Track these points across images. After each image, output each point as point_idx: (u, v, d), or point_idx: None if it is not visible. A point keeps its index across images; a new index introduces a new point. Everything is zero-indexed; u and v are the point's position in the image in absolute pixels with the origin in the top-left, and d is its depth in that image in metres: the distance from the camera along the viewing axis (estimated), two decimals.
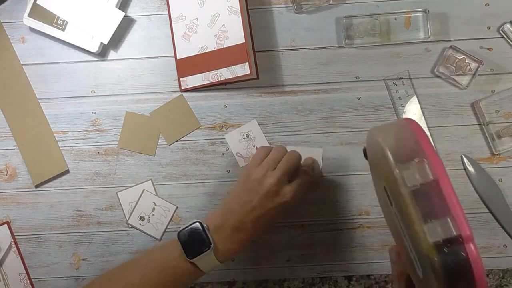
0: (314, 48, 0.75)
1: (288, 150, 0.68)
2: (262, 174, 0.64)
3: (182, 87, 0.75)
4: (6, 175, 0.76)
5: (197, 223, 0.64)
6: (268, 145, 0.75)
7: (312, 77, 0.75)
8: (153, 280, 0.63)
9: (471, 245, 0.42)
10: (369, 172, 0.74)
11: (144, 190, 0.75)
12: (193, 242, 0.63)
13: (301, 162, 0.69)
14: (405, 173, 0.44)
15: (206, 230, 0.63)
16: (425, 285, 0.47)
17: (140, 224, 0.75)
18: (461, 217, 0.42)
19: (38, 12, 0.74)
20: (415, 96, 0.74)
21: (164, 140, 0.76)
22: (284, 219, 0.75)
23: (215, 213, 0.66)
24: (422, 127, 0.48)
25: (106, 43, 0.74)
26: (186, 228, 0.64)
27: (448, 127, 0.74)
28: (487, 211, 0.74)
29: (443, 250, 0.42)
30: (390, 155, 0.46)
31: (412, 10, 0.74)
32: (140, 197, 0.75)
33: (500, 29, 0.74)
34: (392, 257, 0.56)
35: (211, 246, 0.62)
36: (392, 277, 0.57)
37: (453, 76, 0.73)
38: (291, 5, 0.75)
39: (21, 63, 0.76)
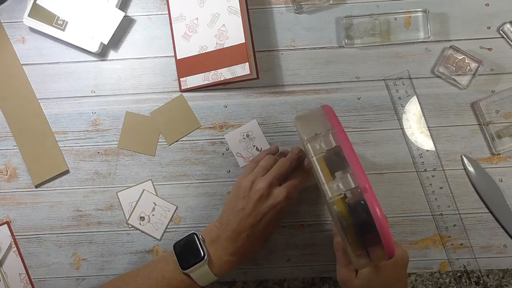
0: (314, 48, 0.75)
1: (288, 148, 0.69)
2: (252, 180, 0.65)
3: (182, 87, 0.75)
4: (6, 175, 0.76)
5: (193, 235, 0.64)
6: (268, 145, 0.75)
7: (312, 77, 0.75)
8: None
9: (370, 194, 0.50)
10: (370, 172, 0.75)
11: (144, 190, 0.75)
12: (188, 253, 0.63)
13: (289, 153, 0.69)
14: (313, 144, 0.55)
15: (201, 241, 0.64)
16: (343, 239, 0.55)
17: (140, 224, 0.75)
18: (360, 172, 0.51)
19: (38, 12, 0.74)
20: (415, 96, 0.74)
21: (164, 140, 0.76)
22: (284, 219, 0.75)
23: (212, 225, 0.66)
24: (333, 109, 0.58)
25: (106, 43, 0.74)
26: (182, 240, 0.64)
27: (448, 127, 0.74)
28: (487, 211, 0.74)
29: (346, 201, 0.52)
30: (301, 133, 0.57)
31: (412, 10, 0.74)
32: (140, 197, 0.75)
33: (500, 29, 0.74)
34: (334, 229, 0.64)
35: (205, 258, 0.62)
36: (334, 247, 0.64)
37: (453, 76, 0.73)
38: (291, 5, 0.75)
39: (21, 63, 0.76)
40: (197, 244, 0.63)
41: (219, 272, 0.64)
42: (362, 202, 0.50)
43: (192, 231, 0.65)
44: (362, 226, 0.51)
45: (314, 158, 0.54)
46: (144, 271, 0.65)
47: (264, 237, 0.66)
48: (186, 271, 0.62)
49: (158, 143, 0.76)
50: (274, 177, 0.65)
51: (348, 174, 0.52)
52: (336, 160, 0.53)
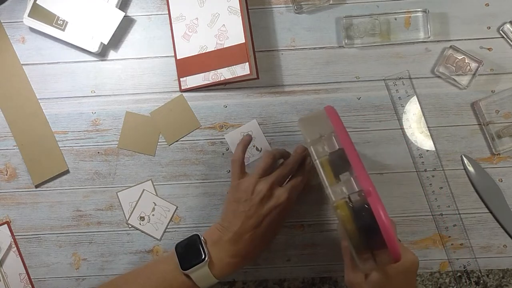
0: (314, 48, 0.75)
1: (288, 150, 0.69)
2: (252, 183, 0.64)
3: (182, 87, 0.75)
4: (6, 175, 0.76)
5: (195, 236, 0.64)
6: (268, 145, 0.75)
7: (312, 77, 0.75)
8: None
9: (374, 198, 0.49)
10: (370, 172, 0.74)
11: (144, 190, 0.75)
12: (189, 254, 0.63)
13: (293, 152, 0.69)
14: (316, 147, 0.54)
15: (203, 242, 0.63)
16: (348, 243, 0.54)
17: (140, 224, 0.75)
18: (363, 175, 0.50)
19: (38, 12, 0.74)
20: (415, 96, 0.74)
21: (164, 140, 0.76)
22: (287, 219, 0.75)
23: (214, 228, 0.66)
24: (336, 111, 0.57)
25: (106, 43, 0.74)
26: (184, 240, 0.64)
27: (448, 127, 0.74)
28: (487, 211, 0.74)
29: (350, 205, 0.51)
30: (305, 135, 0.57)
31: (412, 10, 0.74)
32: (140, 197, 0.75)
33: (500, 29, 0.74)
34: (340, 233, 0.63)
35: (205, 259, 0.62)
36: (342, 252, 0.62)
37: (453, 76, 0.73)
38: (291, 5, 0.75)
39: (21, 63, 0.76)
40: (198, 245, 0.63)
41: (220, 274, 0.63)
42: (366, 205, 0.50)
43: (195, 233, 0.65)
44: (367, 230, 0.50)
45: (317, 161, 0.54)
46: (146, 271, 0.65)
47: (267, 239, 0.66)
48: (186, 271, 0.62)
49: (158, 143, 0.76)
50: (276, 179, 0.65)
51: (352, 177, 0.51)
52: (340, 163, 0.53)
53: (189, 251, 0.63)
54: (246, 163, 0.75)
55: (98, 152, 0.76)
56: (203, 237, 0.65)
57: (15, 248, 0.76)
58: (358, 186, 0.51)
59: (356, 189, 0.51)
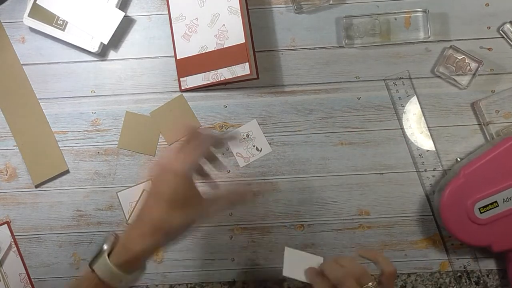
0: (314, 48, 0.75)
1: None
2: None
3: (182, 87, 0.75)
4: (6, 175, 0.76)
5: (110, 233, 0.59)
6: (268, 145, 0.75)
7: (312, 77, 0.75)
8: None
9: None
10: (370, 172, 0.75)
11: (144, 190, 0.75)
12: (97, 250, 0.57)
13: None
14: None
15: (111, 234, 0.57)
16: None
17: None
18: None
19: (38, 12, 0.74)
20: (415, 96, 0.74)
21: (164, 140, 0.76)
22: (284, 219, 0.75)
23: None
24: None
25: (106, 43, 0.74)
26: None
27: (448, 127, 0.74)
28: None
29: None
30: None
31: (412, 10, 0.74)
32: (140, 197, 0.75)
33: (500, 29, 0.74)
34: (313, 278, 0.60)
35: (104, 247, 0.55)
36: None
37: (453, 76, 0.73)
38: (291, 5, 0.75)
39: (21, 63, 0.76)
40: (106, 238, 0.57)
41: (116, 260, 0.55)
42: None
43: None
44: None
45: None
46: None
47: (173, 203, 0.57)
48: (92, 267, 0.55)
49: (158, 143, 0.76)
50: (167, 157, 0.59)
51: None
52: None
53: (97, 247, 0.57)
54: (246, 163, 0.75)
55: (98, 152, 0.76)
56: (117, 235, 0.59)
57: (15, 248, 0.76)
58: None
59: None
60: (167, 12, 0.75)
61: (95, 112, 0.76)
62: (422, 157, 0.74)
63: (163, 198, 0.56)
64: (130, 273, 0.55)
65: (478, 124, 0.74)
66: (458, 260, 0.74)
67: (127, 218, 0.75)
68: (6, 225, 0.76)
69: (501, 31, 0.74)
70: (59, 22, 0.74)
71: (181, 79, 0.75)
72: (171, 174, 0.57)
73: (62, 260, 0.76)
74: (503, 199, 0.67)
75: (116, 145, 0.76)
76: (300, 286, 0.75)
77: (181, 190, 0.57)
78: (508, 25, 0.73)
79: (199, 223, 0.59)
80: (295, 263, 0.63)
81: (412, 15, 0.74)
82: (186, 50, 0.74)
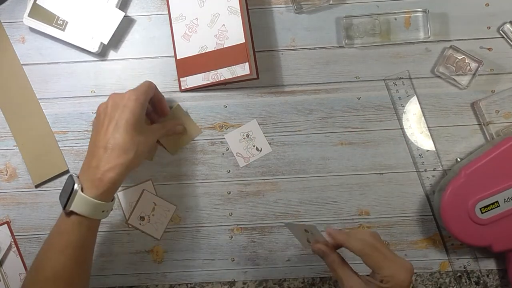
0: (314, 48, 0.75)
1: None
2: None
3: (182, 87, 0.75)
4: (6, 175, 0.76)
5: (69, 177, 0.61)
6: (268, 145, 0.75)
7: (312, 77, 0.75)
8: (60, 257, 0.60)
9: None
10: (370, 172, 0.75)
11: (144, 190, 0.75)
12: (65, 194, 0.60)
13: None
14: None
15: (74, 177, 0.60)
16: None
17: (140, 224, 0.75)
18: None
19: (38, 12, 0.74)
20: (415, 96, 0.74)
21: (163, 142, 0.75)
22: (284, 219, 0.75)
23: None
24: None
25: (106, 43, 0.74)
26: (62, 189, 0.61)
27: (448, 127, 0.74)
28: None
29: None
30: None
31: (412, 10, 0.74)
32: (140, 197, 0.75)
33: (500, 29, 0.74)
34: (320, 252, 0.58)
35: (74, 186, 0.58)
36: (331, 268, 0.58)
37: (453, 76, 0.73)
38: (291, 5, 0.75)
39: (21, 63, 0.76)
40: (70, 180, 0.60)
41: (94, 193, 0.59)
42: None
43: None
44: None
45: None
46: (47, 240, 0.63)
47: (135, 125, 0.62)
48: (68, 209, 0.59)
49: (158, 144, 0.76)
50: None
51: None
52: None
53: (65, 192, 0.60)
54: (246, 163, 0.75)
55: None
56: (77, 175, 0.62)
57: (15, 248, 0.76)
58: None
59: None
60: (167, 12, 0.75)
61: (95, 112, 0.76)
62: (422, 157, 0.74)
63: (126, 122, 0.62)
64: (110, 201, 0.62)
65: (478, 124, 0.74)
66: (458, 260, 0.74)
67: (127, 218, 0.75)
68: (6, 225, 0.76)
69: (501, 31, 0.74)
70: (59, 22, 0.74)
71: (181, 79, 0.75)
72: (130, 100, 0.63)
73: None
74: (504, 199, 0.67)
75: None
76: (300, 286, 0.75)
77: (139, 114, 0.63)
78: (508, 25, 0.73)
79: (153, 147, 0.71)
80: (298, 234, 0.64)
81: (412, 15, 0.74)
82: (186, 50, 0.74)
